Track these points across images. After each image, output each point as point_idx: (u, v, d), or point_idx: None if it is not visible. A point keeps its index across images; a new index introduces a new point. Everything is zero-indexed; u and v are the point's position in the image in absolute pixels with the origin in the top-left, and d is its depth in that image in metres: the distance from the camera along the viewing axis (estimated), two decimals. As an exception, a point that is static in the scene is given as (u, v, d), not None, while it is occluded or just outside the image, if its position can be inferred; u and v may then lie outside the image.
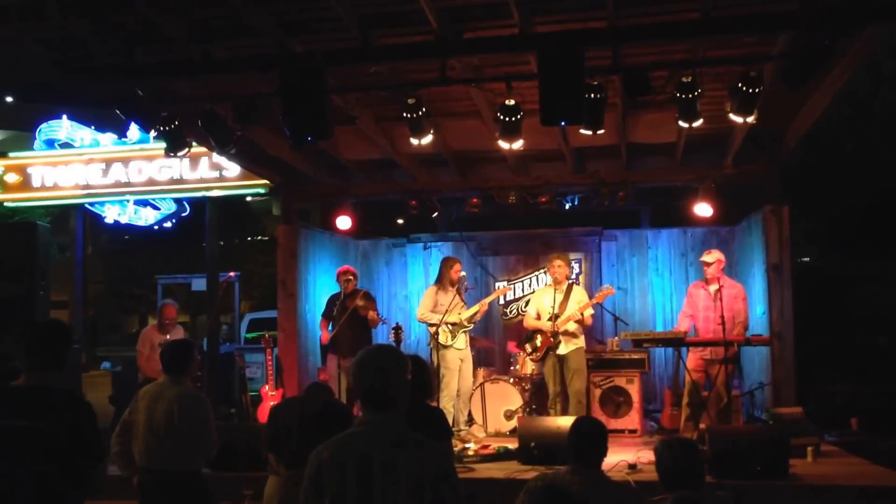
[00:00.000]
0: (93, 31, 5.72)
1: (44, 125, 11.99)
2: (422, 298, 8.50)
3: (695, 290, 8.03)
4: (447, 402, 8.00)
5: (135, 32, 5.85)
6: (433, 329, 8.13)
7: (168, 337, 8.14)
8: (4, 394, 3.26)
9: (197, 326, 21.42)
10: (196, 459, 4.67)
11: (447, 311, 8.11)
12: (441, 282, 8.39)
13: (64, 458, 3.05)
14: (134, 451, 4.62)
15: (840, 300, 12.18)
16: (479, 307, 8.48)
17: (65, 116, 11.92)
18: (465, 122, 7.86)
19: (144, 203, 11.88)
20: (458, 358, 8.16)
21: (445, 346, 8.10)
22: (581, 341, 8.12)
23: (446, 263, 8.49)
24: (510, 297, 10.32)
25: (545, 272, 9.30)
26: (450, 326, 8.13)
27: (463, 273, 8.49)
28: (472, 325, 8.45)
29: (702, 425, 7.22)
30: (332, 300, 8.65)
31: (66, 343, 3.36)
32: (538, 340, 8.12)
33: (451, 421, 7.91)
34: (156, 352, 7.97)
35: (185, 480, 4.58)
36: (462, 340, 8.25)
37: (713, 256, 7.85)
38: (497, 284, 10.39)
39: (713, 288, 7.69)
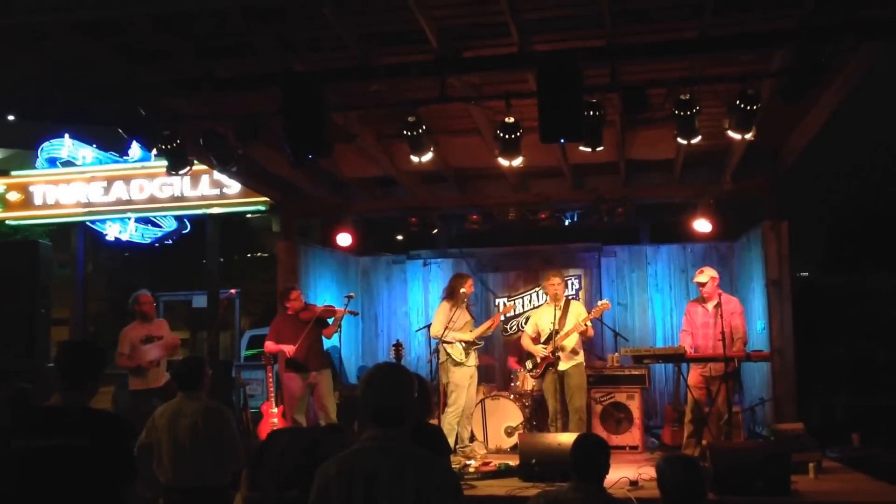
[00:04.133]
0: (95, 51, 5.77)
1: (46, 143, 12.05)
2: (435, 314, 8.34)
3: (692, 308, 8.01)
4: (453, 419, 7.99)
5: (137, 51, 5.90)
6: (449, 346, 8.08)
7: (150, 327, 7.77)
8: (41, 414, 3.28)
9: (197, 343, 21.39)
10: (222, 473, 4.66)
11: (460, 328, 8.10)
12: (454, 298, 8.22)
13: (103, 476, 3.11)
14: (158, 471, 4.61)
15: (840, 315, 12.19)
16: (491, 323, 8.48)
17: (67, 135, 11.98)
18: (465, 140, 7.89)
19: (145, 220, 11.91)
20: (468, 375, 8.12)
21: (457, 364, 8.08)
22: (581, 357, 8.11)
23: (460, 279, 8.34)
24: (510, 313, 10.33)
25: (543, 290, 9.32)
26: (463, 344, 8.12)
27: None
28: (482, 343, 8.46)
29: (703, 441, 7.22)
30: (279, 323, 8.17)
31: (99, 362, 3.38)
32: (538, 357, 8.12)
33: (455, 438, 7.93)
34: (137, 349, 7.76)
35: (212, 495, 4.58)
36: (473, 358, 8.24)
37: (706, 275, 7.77)
38: (497, 301, 10.41)
39: (711, 304, 7.67)
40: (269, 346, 8.08)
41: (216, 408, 4.67)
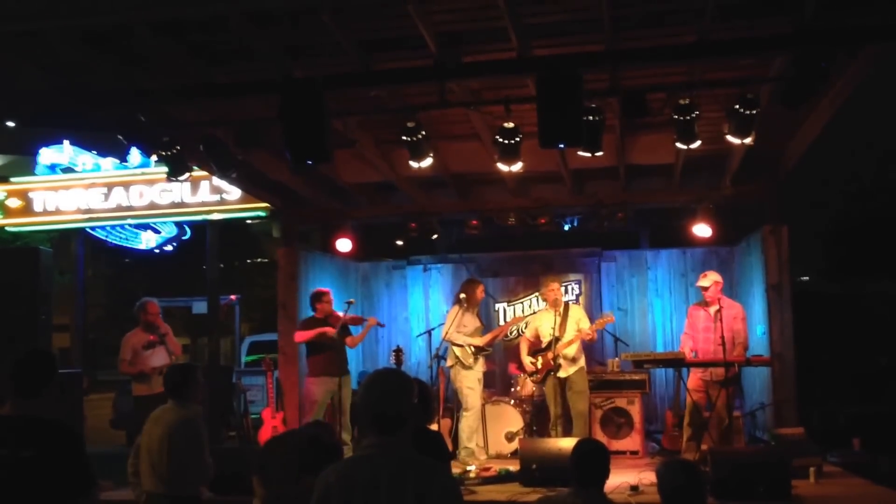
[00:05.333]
0: (95, 57, 5.77)
1: (45, 150, 12.06)
2: (447, 318, 8.42)
3: (694, 312, 8.03)
4: (473, 422, 8.02)
5: (137, 58, 5.91)
6: (458, 348, 8.12)
7: (154, 336, 7.67)
8: None
9: (198, 349, 21.40)
10: (189, 484, 4.65)
11: (470, 333, 8.15)
12: (464, 303, 8.26)
13: (51, 489, 3.01)
14: (141, 474, 4.66)
15: (841, 320, 12.17)
16: (500, 331, 8.59)
17: (66, 141, 11.99)
18: (465, 145, 7.90)
19: (145, 227, 11.92)
20: (476, 379, 8.17)
21: (466, 367, 8.10)
22: (582, 362, 8.12)
23: (469, 285, 8.41)
24: (510, 318, 10.31)
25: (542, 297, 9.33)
26: (473, 348, 8.13)
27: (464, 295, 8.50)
28: (491, 350, 8.50)
29: (703, 446, 7.21)
30: (307, 325, 8.24)
31: (50, 371, 3.30)
32: (539, 362, 8.12)
33: (470, 438, 7.96)
34: (139, 356, 7.72)
35: None
36: (481, 363, 8.27)
37: (709, 280, 7.80)
38: (497, 305, 10.40)
39: (713, 309, 7.67)
40: (302, 335, 8.09)
41: (191, 420, 4.63)
